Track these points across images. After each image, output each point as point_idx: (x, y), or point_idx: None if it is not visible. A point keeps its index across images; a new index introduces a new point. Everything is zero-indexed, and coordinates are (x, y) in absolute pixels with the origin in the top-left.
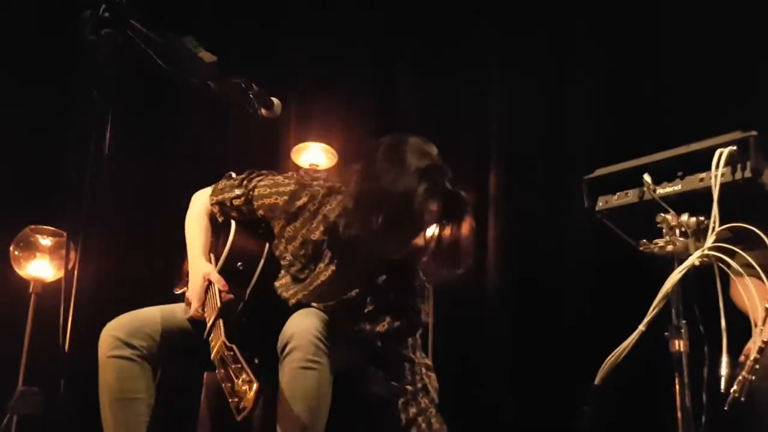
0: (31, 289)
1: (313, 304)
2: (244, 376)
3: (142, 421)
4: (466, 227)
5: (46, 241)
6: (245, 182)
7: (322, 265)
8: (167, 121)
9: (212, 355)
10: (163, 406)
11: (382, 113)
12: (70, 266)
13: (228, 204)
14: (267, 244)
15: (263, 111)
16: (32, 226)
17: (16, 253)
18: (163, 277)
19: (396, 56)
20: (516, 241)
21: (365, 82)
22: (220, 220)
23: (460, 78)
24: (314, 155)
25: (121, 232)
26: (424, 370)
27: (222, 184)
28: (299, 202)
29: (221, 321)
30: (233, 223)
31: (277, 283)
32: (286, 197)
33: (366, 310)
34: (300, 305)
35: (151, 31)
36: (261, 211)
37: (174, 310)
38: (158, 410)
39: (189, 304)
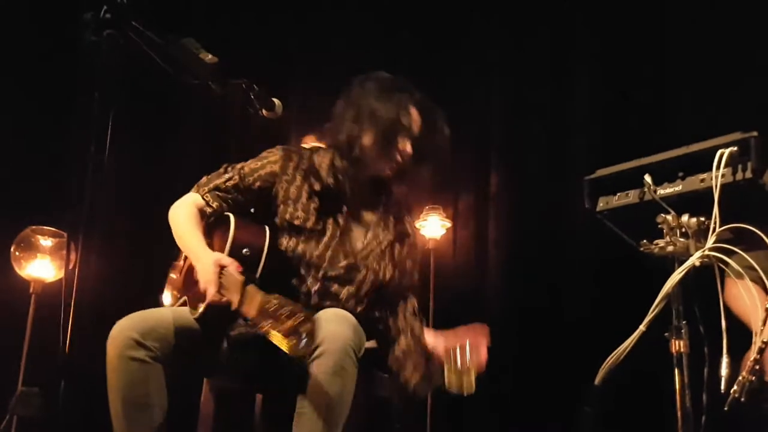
0: (31, 290)
1: (341, 263)
2: (297, 314)
3: (154, 425)
4: (443, 132)
5: (46, 242)
6: (228, 169)
7: (332, 217)
8: (168, 122)
9: (252, 315)
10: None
11: None
12: (70, 267)
13: (222, 187)
14: (267, 233)
15: (264, 112)
16: (33, 227)
17: (17, 253)
18: (164, 277)
19: (396, 56)
20: (516, 241)
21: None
22: (214, 206)
23: (460, 77)
24: None
25: (122, 233)
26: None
27: (204, 179)
28: (293, 163)
29: (252, 286)
30: (232, 218)
31: (299, 251)
32: (279, 162)
33: (382, 249)
34: (334, 263)
35: (152, 32)
36: (258, 183)
37: (182, 311)
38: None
39: (195, 307)
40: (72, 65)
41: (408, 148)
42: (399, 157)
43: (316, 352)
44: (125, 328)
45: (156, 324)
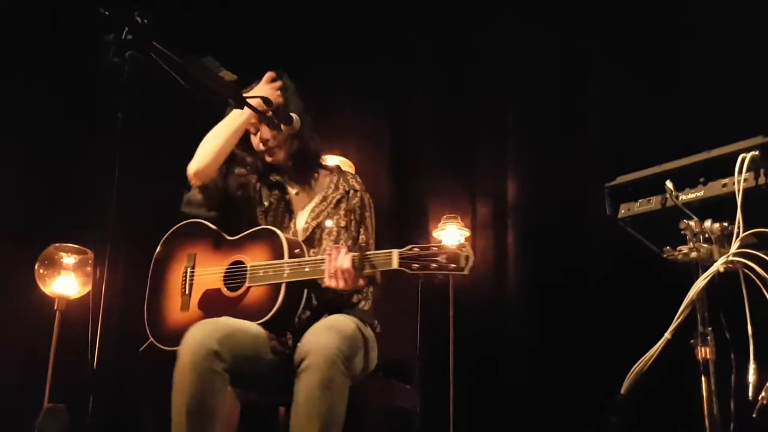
0: (55, 306)
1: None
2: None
3: None
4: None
5: (70, 259)
6: None
7: (286, 211)
8: (190, 139)
9: (396, 267)
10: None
11: (396, 121)
12: (96, 284)
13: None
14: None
15: (283, 126)
16: (56, 244)
17: (41, 271)
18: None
19: (410, 63)
20: (537, 248)
21: (380, 90)
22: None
23: (476, 85)
24: None
25: (146, 248)
26: None
27: None
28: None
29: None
30: (277, 230)
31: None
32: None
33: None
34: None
35: (172, 52)
36: (240, 192)
37: (249, 327)
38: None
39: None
40: (95, 86)
41: (263, 134)
42: (262, 145)
43: (304, 365)
44: (205, 336)
45: (230, 332)
